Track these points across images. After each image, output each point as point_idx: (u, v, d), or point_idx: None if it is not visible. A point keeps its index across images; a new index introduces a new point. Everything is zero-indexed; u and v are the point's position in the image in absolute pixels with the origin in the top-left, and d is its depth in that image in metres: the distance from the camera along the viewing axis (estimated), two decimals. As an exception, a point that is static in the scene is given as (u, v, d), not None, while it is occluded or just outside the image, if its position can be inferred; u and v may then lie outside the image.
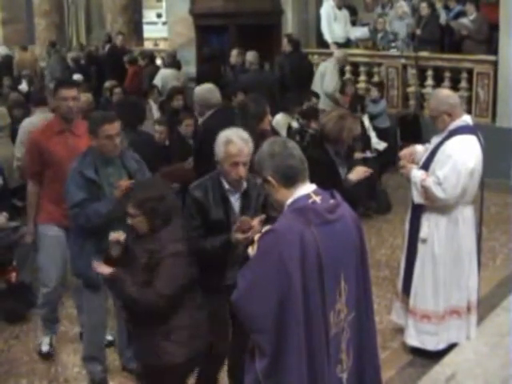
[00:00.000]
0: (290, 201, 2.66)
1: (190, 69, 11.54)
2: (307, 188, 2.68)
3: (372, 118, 8.76)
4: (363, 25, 12.18)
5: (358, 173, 4.40)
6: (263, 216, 3.27)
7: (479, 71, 9.34)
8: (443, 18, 10.53)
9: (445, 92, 4.78)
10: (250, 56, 9.67)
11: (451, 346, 4.52)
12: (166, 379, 3.38)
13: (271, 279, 2.51)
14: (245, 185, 3.57)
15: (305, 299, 2.52)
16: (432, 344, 4.51)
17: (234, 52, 10.17)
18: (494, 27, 9.50)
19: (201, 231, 3.52)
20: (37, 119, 6.44)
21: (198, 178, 4.54)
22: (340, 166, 4.45)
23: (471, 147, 4.35)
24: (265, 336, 2.53)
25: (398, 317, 4.79)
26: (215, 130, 5.39)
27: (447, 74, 9.66)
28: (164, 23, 17.58)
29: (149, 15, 20.34)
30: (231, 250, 3.42)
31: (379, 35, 11.00)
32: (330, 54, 10.44)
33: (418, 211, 4.51)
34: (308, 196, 2.64)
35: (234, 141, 3.47)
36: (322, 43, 11.52)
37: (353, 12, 12.25)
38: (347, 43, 11.39)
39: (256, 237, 2.77)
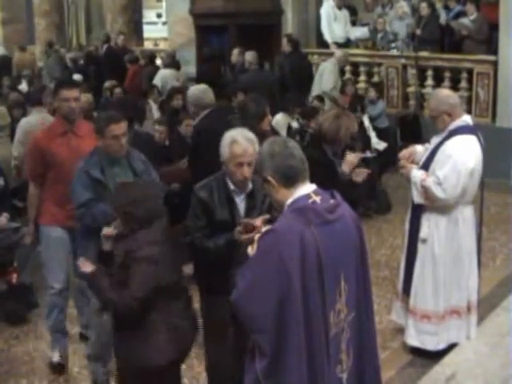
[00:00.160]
0: (289, 201, 2.66)
1: (190, 69, 11.54)
2: (307, 188, 2.67)
3: (371, 119, 8.76)
4: (363, 25, 12.19)
5: (349, 163, 4.39)
6: (267, 216, 3.22)
7: (479, 71, 9.34)
8: (443, 17, 10.53)
9: (445, 92, 4.78)
10: (249, 56, 9.66)
11: (451, 346, 4.52)
12: (145, 383, 3.38)
13: (271, 279, 2.51)
14: (250, 185, 3.55)
15: (304, 299, 2.52)
16: (432, 344, 4.51)
17: (235, 51, 10.16)
18: (494, 27, 9.50)
19: (206, 232, 3.51)
20: (34, 119, 6.47)
21: (194, 179, 4.55)
22: (339, 166, 4.44)
23: (471, 147, 4.35)
24: (265, 336, 2.53)
25: (398, 317, 4.79)
26: (210, 131, 5.41)
27: (447, 74, 9.66)
28: (164, 23, 17.58)
29: (149, 15, 20.34)
30: (236, 248, 3.36)
31: (379, 35, 11.00)
32: (330, 54, 10.45)
33: (418, 211, 4.51)
34: (308, 196, 2.64)
35: (238, 141, 3.46)
36: (322, 43, 11.53)
37: (353, 12, 12.25)
38: (347, 43, 11.40)
39: (256, 236, 2.77)
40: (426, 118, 8.90)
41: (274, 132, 5.79)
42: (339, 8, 11.30)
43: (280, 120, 7.74)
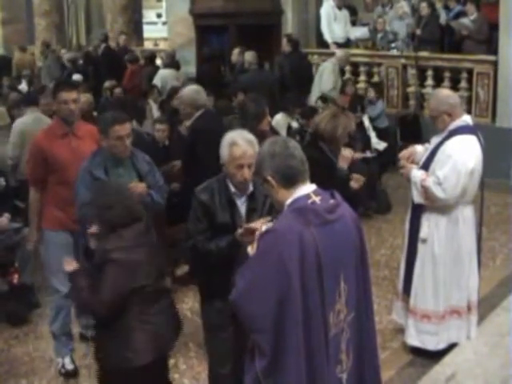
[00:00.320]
0: (289, 201, 2.65)
1: (190, 69, 11.54)
2: (307, 188, 2.67)
3: (371, 119, 8.76)
4: (363, 25, 12.20)
5: (345, 158, 4.40)
6: (268, 218, 3.18)
7: (479, 71, 9.34)
8: (443, 17, 10.54)
9: (445, 92, 4.78)
10: (249, 56, 9.67)
11: (451, 346, 4.52)
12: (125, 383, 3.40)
13: (270, 279, 2.51)
14: (251, 187, 3.53)
15: (304, 299, 2.52)
16: (432, 344, 4.51)
17: (236, 51, 10.17)
18: (494, 27, 9.50)
19: (207, 234, 3.49)
20: (28, 119, 6.48)
21: (191, 179, 4.53)
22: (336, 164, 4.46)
23: (471, 147, 4.35)
24: (264, 336, 2.53)
25: (398, 317, 4.79)
26: (206, 130, 5.41)
27: (447, 74, 9.66)
28: (164, 23, 17.59)
29: (149, 15, 20.34)
30: (237, 250, 3.34)
31: (379, 35, 11.01)
32: (330, 54, 10.46)
33: (418, 211, 4.51)
34: (308, 196, 2.63)
35: (238, 143, 3.43)
36: (322, 43, 11.53)
37: (353, 12, 12.26)
38: (347, 43, 11.40)
39: (256, 235, 2.77)
40: (426, 118, 8.90)
41: (274, 132, 5.79)
42: (339, 8, 11.30)
43: (280, 120, 7.74)
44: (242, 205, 3.55)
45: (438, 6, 10.87)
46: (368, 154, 8.00)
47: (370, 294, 2.87)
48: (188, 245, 3.59)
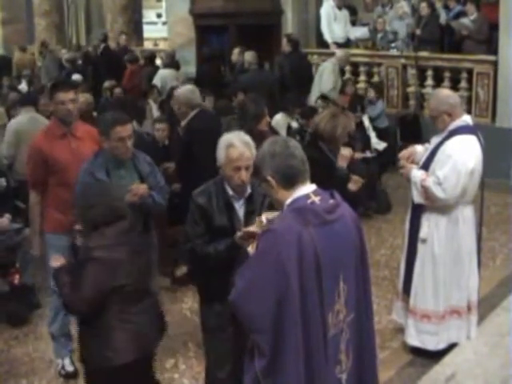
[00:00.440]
0: (289, 201, 2.65)
1: (190, 69, 11.54)
2: (307, 188, 2.66)
3: (371, 119, 8.76)
4: (363, 25, 12.20)
5: (344, 157, 4.41)
6: (274, 212, 3.19)
7: (479, 71, 9.34)
8: (443, 17, 10.53)
9: (445, 92, 4.78)
10: (249, 56, 9.67)
11: (451, 346, 4.52)
12: (107, 382, 3.41)
13: (269, 279, 2.51)
14: (249, 190, 3.50)
15: (302, 299, 2.51)
16: (432, 344, 4.51)
17: (236, 50, 10.17)
18: (494, 27, 9.50)
19: (206, 238, 3.46)
20: (23, 119, 6.49)
21: (187, 179, 4.52)
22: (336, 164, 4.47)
23: (471, 147, 4.35)
24: (263, 336, 2.53)
25: (398, 317, 4.79)
26: (202, 129, 5.41)
27: (447, 74, 9.66)
28: (164, 23, 17.59)
29: (149, 15, 20.35)
30: (236, 253, 3.31)
31: (379, 35, 11.01)
32: (330, 54, 10.45)
33: (418, 211, 4.51)
34: (307, 196, 2.63)
35: (235, 145, 3.40)
36: (322, 43, 11.53)
37: (353, 12, 12.26)
38: (347, 43, 11.40)
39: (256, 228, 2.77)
40: (425, 118, 8.90)
41: (274, 132, 5.79)
42: (339, 8, 11.29)
43: (280, 120, 7.74)
44: (240, 208, 3.51)
45: (438, 5, 10.87)
46: (368, 154, 8.00)
47: (370, 295, 2.87)
48: (186, 248, 3.56)
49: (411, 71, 10.17)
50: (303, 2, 11.81)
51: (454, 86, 9.16)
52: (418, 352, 4.60)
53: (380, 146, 8.53)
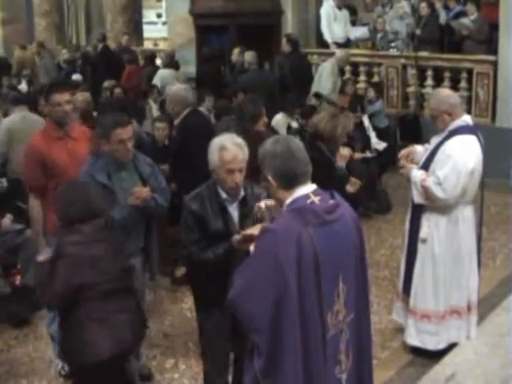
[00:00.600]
0: (289, 201, 2.65)
1: (190, 69, 11.54)
2: (307, 188, 2.66)
3: (368, 116, 8.76)
4: (363, 25, 12.19)
5: (343, 157, 4.41)
6: (265, 224, 3.10)
7: (479, 71, 9.34)
8: (443, 17, 10.53)
9: (445, 92, 4.78)
10: (249, 56, 9.67)
11: (451, 346, 4.52)
12: (86, 378, 3.47)
13: (268, 279, 2.50)
14: (242, 193, 3.46)
15: (301, 299, 2.51)
16: (432, 344, 4.51)
17: (236, 50, 10.17)
18: (494, 27, 9.50)
19: (201, 244, 3.41)
20: (16, 117, 6.50)
21: (178, 182, 4.49)
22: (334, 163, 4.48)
23: (471, 147, 4.35)
24: (262, 335, 2.53)
25: (398, 317, 4.79)
26: (196, 128, 5.41)
27: (447, 74, 9.66)
28: (164, 23, 17.59)
29: (149, 15, 20.35)
30: (234, 256, 3.27)
31: (379, 35, 11.00)
32: (330, 54, 10.45)
33: (418, 211, 4.51)
34: (307, 196, 2.63)
35: (228, 147, 3.35)
36: (322, 43, 11.53)
37: (353, 12, 12.25)
38: (347, 43, 11.40)
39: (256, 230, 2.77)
40: (425, 118, 8.91)
41: (274, 132, 5.80)
42: (339, 8, 11.29)
43: (280, 120, 7.75)
44: (234, 211, 3.46)
45: (438, 5, 10.86)
46: (368, 154, 7.99)
47: (368, 295, 2.87)
48: (183, 254, 3.52)
49: (411, 71, 10.17)
50: (303, 1, 11.81)
51: (454, 86, 9.16)
52: (418, 352, 4.60)
53: (380, 145, 8.53)
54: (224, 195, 3.43)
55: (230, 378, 3.78)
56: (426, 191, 4.34)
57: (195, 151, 4.94)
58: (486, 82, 9.25)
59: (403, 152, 4.69)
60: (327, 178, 3.76)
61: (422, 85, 10.01)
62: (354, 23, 12.07)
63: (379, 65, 10.65)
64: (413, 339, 4.58)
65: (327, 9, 11.22)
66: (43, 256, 3.51)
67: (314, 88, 9.67)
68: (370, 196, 7.72)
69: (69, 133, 4.48)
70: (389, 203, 7.99)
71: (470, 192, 4.41)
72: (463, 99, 8.78)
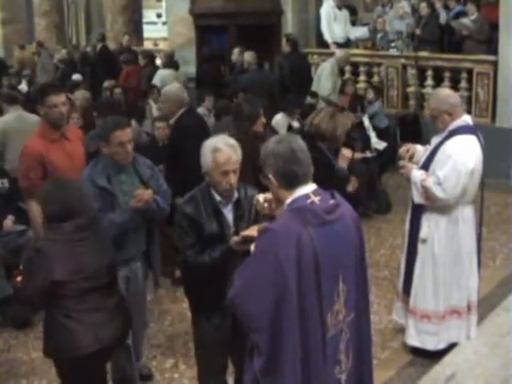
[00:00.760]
0: (289, 200, 2.65)
1: (190, 69, 11.54)
2: (307, 188, 2.66)
3: (369, 117, 8.77)
4: (363, 25, 12.19)
5: (345, 157, 4.43)
6: (264, 224, 3.01)
7: (479, 71, 9.34)
8: (443, 17, 10.54)
9: (445, 91, 4.78)
10: (248, 56, 9.68)
11: (451, 346, 4.52)
12: (69, 374, 3.52)
13: (268, 279, 2.50)
14: (236, 195, 3.41)
15: (300, 299, 2.51)
16: (432, 344, 4.51)
17: (236, 50, 10.18)
18: (494, 27, 9.50)
19: (197, 248, 3.35)
20: (10, 117, 6.48)
21: (173, 183, 4.47)
22: (335, 162, 4.48)
23: (471, 147, 4.35)
24: (261, 335, 2.53)
25: (398, 317, 4.79)
26: (191, 127, 5.40)
27: (447, 74, 9.66)
28: (164, 23, 17.60)
29: (149, 15, 20.37)
30: (232, 258, 3.22)
31: (379, 35, 11.01)
32: (330, 54, 10.45)
33: (418, 211, 4.51)
34: (307, 196, 2.63)
35: (221, 148, 3.29)
36: (322, 43, 11.53)
37: (353, 12, 12.25)
38: (347, 43, 11.40)
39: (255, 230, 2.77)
40: (425, 118, 8.92)
41: (274, 132, 5.79)
42: (339, 8, 11.29)
43: (280, 120, 7.75)
44: (228, 213, 3.41)
45: (438, 5, 10.87)
46: (368, 154, 8.00)
47: (368, 295, 2.87)
48: (179, 260, 3.46)
49: (411, 71, 10.17)
50: (303, 1, 11.81)
51: (454, 86, 9.15)
52: (417, 352, 4.60)
53: (380, 145, 8.54)
54: (218, 198, 3.38)
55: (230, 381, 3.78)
56: (426, 191, 4.34)
57: (189, 151, 4.93)
58: (485, 82, 9.25)
59: (403, 148, 4.69)
60: (328, 178, 3.77)
61: (422, 85, 10.01)
62: (354, 23, 12.07)
63: (379, 65, 10.65)
64: (413, 339, 4.58)
65: (327, 9, 11.21)
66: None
67: (314, 88, 9.68)
68: (370, 196, 7.73)
69: (65, 134, 4.47)
70: (389, 203, 7.99)
71: (469, 192, 4.41)
72: (463, 99, 8.78)
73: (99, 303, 3.43)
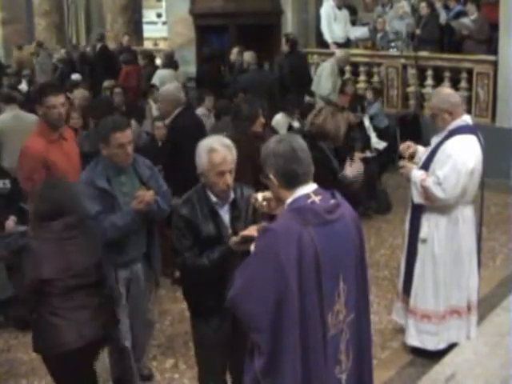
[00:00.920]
0: (289, 200, 2.65)
1: (190, 69, 11.54)
2: (308, 188, 2.66)
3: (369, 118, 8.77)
4: (363, 25, 12.19)
5: (356, 169, 4.44)
6: (263, 224, 3.02)
7: (479, 71, 9.34)
8: (443, 17, 10.54)
9: (447, 90, 4.79)
10: (248, 56, 9.67)
11: (451, 346, 4.52)
12: (56, 370, 3.59)
13: (268, 279, 2.50)
14: (232, 195, 3.39)
15: (301, 299, 2.51)
16: (432, 344, 4.51)
17: (235, 50, 10.18)
18: (494, 27, 9.50)
19: (195, 250, 3.33)
20: (7, 117, 6.48)
21: (171, 183, 4.47)
22: (334, 162, 4.50)
23: (471, 147, 4.35)
24: (262, 335, 2.53)
25: (398, 317, 4.79)
26: (188, 127, 5.40)
27: (447, 74, 9.66)
28: (164, 23, 17.60)
29: (149, 15, 20.38)
30: (231, 260, 3.21)
31: (379, 35, 11.01)
32: (330, 54, 10.45)
33: (417, 211, 4.51)
34: (307, 196, 2.63)
35: (217, 149, 3.27)
36: (322, 43, 11.53)
37: (353, 12, 12.26)
38: (347, 43, 11.40)
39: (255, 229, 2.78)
40: (426, 118, 8.92)
41: (274, 132, 5.79)
42: (339, 8, 11.29)
43: (280, 120, 7.75)
44: (225, 214, 3.39)
45: (438, 5, 10.87)
46: (368, 154, 8.00)
47: (368, 295, 2.87)
48: (177, 262, 3.45)
49: (411, 71, 10.17)
50: (303, 1, 11.81)
51: (454, 86, 9.14)
52: (418, 352, 4.60)
53: (380, 145, 8.54)
54: (214, 199, 3.36)
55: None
56: (425, 191, 4.34)
57: (187, 151, 4.94)
58: (486, 82, 9.25)
59: (403, 146, 4.69)
60: (328, 177, 3.77)
61: (422, 85, 10.01)
62: (354, 23, 12.07)
63: (379, 65, 10.65)
64: (413, 339, 4.58)
65: (327, 9, 11.22)
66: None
67: (314, 88, 9.68)
68: (370, 196, 7.72)
69: (63, 135, 4.47)
70: (389, 203, 7.99)
71: (469, 192, 4.41)
72: (463, 99, 8.78)
73: (85, 301, 3.46)
